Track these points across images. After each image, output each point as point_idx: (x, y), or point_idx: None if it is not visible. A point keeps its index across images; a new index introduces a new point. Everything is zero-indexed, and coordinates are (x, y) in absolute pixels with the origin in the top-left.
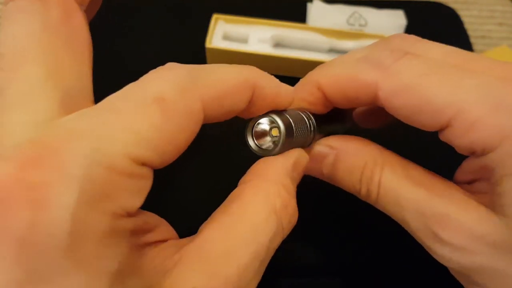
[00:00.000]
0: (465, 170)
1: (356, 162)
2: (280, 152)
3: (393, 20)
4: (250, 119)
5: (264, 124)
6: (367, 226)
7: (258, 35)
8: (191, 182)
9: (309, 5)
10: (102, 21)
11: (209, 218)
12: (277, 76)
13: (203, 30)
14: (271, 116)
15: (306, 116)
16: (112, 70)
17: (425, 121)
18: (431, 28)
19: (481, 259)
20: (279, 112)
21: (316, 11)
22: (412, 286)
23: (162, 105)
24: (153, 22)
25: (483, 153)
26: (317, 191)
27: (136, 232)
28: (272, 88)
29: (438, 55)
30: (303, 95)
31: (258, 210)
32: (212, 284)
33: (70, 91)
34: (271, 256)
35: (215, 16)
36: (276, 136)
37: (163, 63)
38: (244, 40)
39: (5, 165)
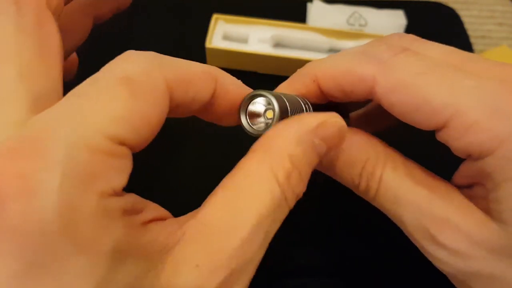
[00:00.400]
0: (462, 173)
1: (358, 155)
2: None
3: (393, 20)
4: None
5: (259, 104)
6: (367, 226)
7: (258, 35)
8: (190, 180)
9: (309, 5)
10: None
11: (212, 192)
12: (277, 76)
13: (203, 30)
14: (267, 96)
15: (303, 102)
16: None
17: (422, 120)
18: (431, 28)
19: (478, 264)
20: (276, 94)
21: (316, 11)
22: (412, 286)
23: (129, 84)
24: (153, 22)
25: (480, 156)
26: (317, 190)
27: (128, 212)
28: (235, 85)
29: (437, 54)
30: (297, 86)
31: (261, 183)
32: (215, 260)
33: (41, 93)
34: (277, 228)
35: (215, 16)
36: (270, 119)
37: None
38: (244, 40)
39: None
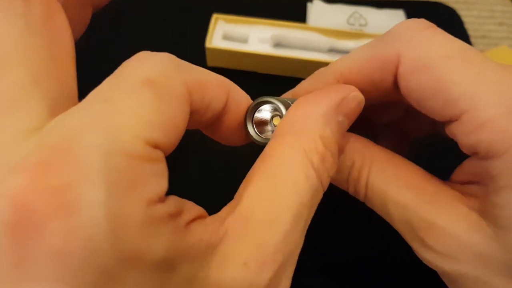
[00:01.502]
0: (464, 170)
1: (343, 161)
2: None
3: (393, 20)
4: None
5: (265, 111)
6: (366, 226)
7: (258, 35)
8: (194, 183)
9: (309, 5)
10: (102, 21)
11: (244, 182)
12: (277, 76)
13: (203, 30)
14: (273, 103)
15: None
16: (111, 70)
17: (437, 109)
18: None
19: (465, 268)
20: (282, 99)
21: (316, 11)
22: (412, 286)
23: (153, 87)
24: (153, 22)
25: (486, 156)
26: None
27: (172, 216)
28: (246, 98)
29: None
30: (321, 86)
31: (296, 170)
32: (262, 255)
33: (56, 97)
34: (313, 213)
35: (215, 16)
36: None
37: None
38: (244, 40)
39: (17, 176)
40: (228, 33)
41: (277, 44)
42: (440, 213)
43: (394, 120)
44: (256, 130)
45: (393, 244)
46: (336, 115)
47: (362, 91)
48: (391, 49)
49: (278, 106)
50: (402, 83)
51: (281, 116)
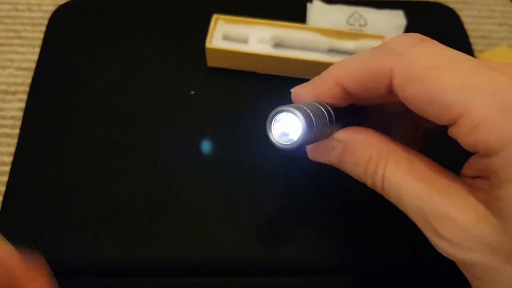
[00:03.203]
0: (471, 165)
1: (361, 155)
2: (301, 146)
3: (393, 20)
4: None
5: (284, 118)
6: (367, 226)
7: (258, 35)
8: (197, 185)
9: (309, 5)
10: (103, 21)
11: None
12: (277, 76)
13: (203, 30)
14: (291, 110)
15: (324, 109)
16: (111, 71)
17: (435, 114)
18: (431, 28)
19: (476, 256)
20: (298, 106)
21: (316, 11)
22: (412, 286)
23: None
24: (153, 22)
25: (486, 154)
26: (318, 189)
27: None
28: None
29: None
30: (322, 90)
31: None
32: None
33: None
34: None
35: (215, 16)
36: (296, 131)
37: (163, 63)
38: (244, 40)
39: None
40: (228, 33)
41: (277, 44)
42: (451, 205)
43: (405, 111)
44: (276, 136)
45: (395, 244)
46: None
47: (359, 95)
48: (384, 63)
49: (294, 113)
50: (399, 94)
51: (300, 121)
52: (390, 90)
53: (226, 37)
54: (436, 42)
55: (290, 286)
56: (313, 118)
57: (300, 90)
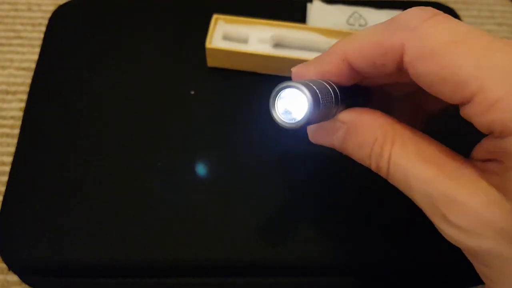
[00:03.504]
0: (483, 148)
1: (366, 136)
2: (305, 125)
3: None
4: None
5: (289, 95)
6: (367, 226)
7: (258, 35)
8: (195, 183)
9: (309, 5)
10: (103, 21)
11: None
12: (277, 76)
13: (203, 30)
14: (297, 86)
15: (330, 87)
16: (112, 69)
17: (447, 93)
18: None
19: (487, 243)
20: (305, 82)
21: (316, 11)
22: (412, 286)
23: None
24: (153, 22)
25: (501, 135)
26: (318, 189)
27: None
28: None
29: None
30: (328, 67)
31: None
32: None
33: None
34: None
35: (215, 16)
36: (302, 109)
37: (163, 63)
38: (244, 40)
39: None
40: (228, 33)
41: (277, 45)
42: (461, 189)
43: (409, 93)
44: (280, 114)
45: (395, 244)
46: None
47: (366, 73)
48: (395, 38)
49: (301, 89)
50: (410, 71)
51: (306, 98)
52: (400, 67)
53: (226, 37)
54: (450, 17)
55: (290, 286)
56: (319, 95)
57: (303, 68)
